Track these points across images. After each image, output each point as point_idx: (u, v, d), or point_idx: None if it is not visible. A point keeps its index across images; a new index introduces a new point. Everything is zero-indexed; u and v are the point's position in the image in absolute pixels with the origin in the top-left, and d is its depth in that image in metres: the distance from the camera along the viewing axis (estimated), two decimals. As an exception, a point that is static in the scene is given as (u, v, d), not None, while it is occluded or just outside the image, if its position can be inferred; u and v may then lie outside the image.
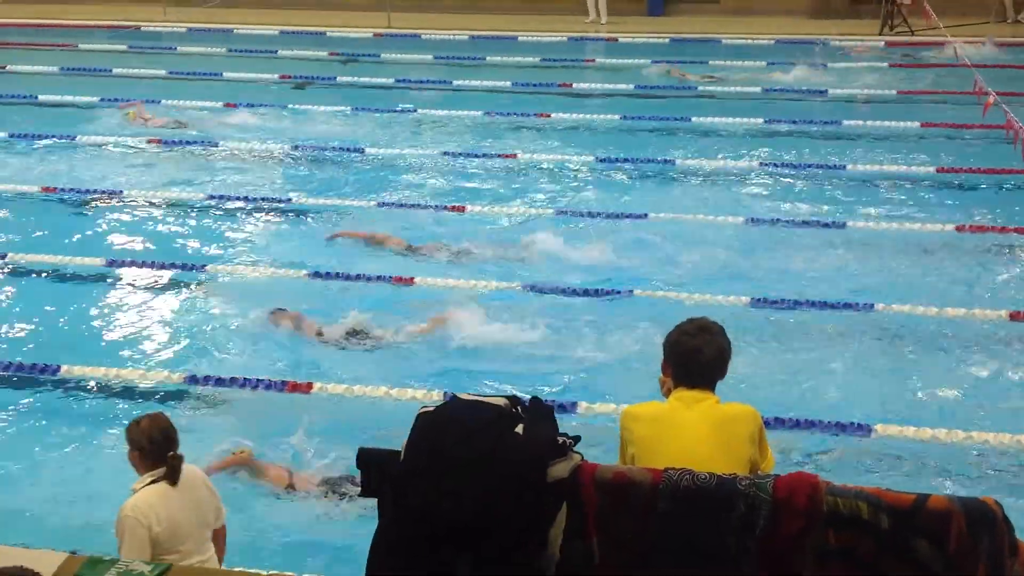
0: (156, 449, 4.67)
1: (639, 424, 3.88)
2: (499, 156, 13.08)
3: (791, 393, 7.51)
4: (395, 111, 15.27)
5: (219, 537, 4.96)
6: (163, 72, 17.76)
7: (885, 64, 18.10)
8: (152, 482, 4.66)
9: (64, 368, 7.73)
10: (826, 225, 10.55)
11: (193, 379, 7.58)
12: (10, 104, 15.57)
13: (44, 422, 7.29)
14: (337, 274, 9.32)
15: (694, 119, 14.56)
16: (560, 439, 3.14)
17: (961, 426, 6.86)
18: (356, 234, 10.37)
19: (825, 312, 8.61)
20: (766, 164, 12.66)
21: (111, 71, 17.88)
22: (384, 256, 9.95)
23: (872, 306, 8.60)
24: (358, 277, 9.25)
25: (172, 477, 4.67)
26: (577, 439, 3.22)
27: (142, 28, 21.82)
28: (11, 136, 13.91)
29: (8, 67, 18.38)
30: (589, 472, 3.14)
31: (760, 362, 7.84)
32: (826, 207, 11.31)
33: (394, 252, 10.00)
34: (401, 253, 9.97)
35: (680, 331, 4.05)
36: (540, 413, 3.25)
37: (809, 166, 12.56)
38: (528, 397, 3.36)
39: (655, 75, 17.37)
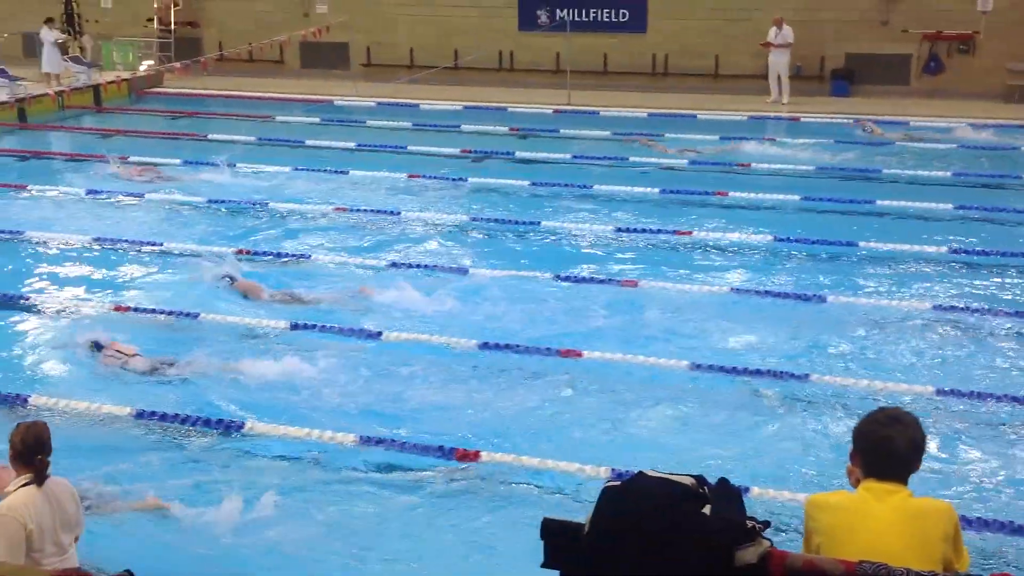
0: (25, 451, 5.15)
1: (826, 513, 3.73)
2: (673, 233, 13.03)
3: (983, 490, 7.12)
4: (571, 186, 15.44)
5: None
6: (352, 144, 18.53)
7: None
8: (24, 485, 5.13)
9: (248, 424, 8.06)
10: (1020, 315, 10.06)
11: (367, 440, 7.74)
12: (210, 170, 16.48)
13: (229, 476, 7.56)
14: (510, 345, 9.42)
15: (879, 202, 14.18)
16: (749, 523, 3.05)
17: None
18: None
19: (1019, 407, 8.15)
20: (956, 250, 12.17)
21: (304, 142, 18.78)
22: (542, 323, 9.98)
23: (1072, 403, 8.12)
24: (530, 350, 9.31)
25: (38, 479, 5.13)
26: (767, 524, 3.11)
27: (335, 102, 22.87)
28: (209, 201, 14.75)
29: (209, 136, 19.53)
30: (779, 560, 3.03)
31: (950, 456, 7.48)
32: (1020, 296, 10.79)
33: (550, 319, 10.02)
34: (565, 326, 9.98)
35: (871, 420, 3.90)
36: (727, 495, 3.17)
37: (1002, 253, 12.03)
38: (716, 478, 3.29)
39: (836, 156, 17.06)
